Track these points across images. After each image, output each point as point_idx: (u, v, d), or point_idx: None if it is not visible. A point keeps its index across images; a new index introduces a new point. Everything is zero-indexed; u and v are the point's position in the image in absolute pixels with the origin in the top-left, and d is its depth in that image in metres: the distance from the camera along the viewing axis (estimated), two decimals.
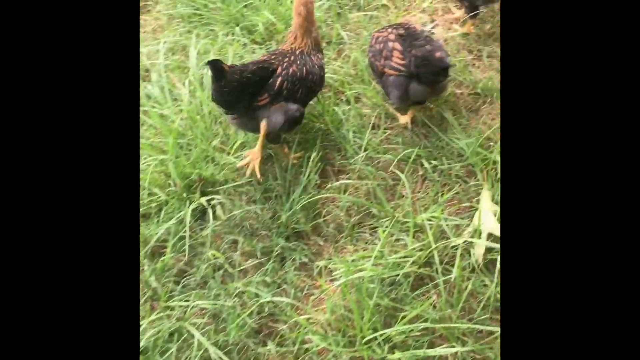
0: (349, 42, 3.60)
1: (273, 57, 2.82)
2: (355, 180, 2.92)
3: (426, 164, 2.88)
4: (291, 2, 3.67)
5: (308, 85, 2.83)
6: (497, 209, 2.66)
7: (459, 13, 3.67)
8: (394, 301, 2.43)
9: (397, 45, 2.85)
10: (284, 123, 2.72)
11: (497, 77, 3.24)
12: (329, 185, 2.91)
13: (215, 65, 2.47)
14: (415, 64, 2.74)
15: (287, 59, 2.81)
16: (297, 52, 2.89)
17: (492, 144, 2.90)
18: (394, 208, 2.79)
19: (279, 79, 2.71)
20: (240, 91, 2.59)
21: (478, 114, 3.15)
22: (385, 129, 3.12)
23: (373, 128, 3.14)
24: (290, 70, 2.77)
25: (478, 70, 3.38)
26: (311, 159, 2.87)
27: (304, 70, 2.82)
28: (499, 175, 2.73)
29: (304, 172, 2.87)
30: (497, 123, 3.05)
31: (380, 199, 2.79)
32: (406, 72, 2.78)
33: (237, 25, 3.81)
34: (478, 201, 2.73)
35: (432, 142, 2.99)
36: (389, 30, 2.97)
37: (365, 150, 2.99)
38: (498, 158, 2.75)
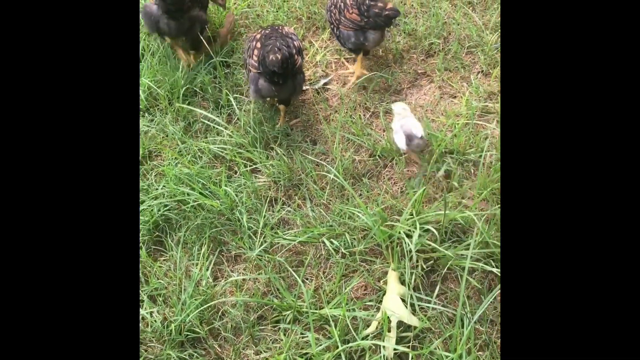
0: (238, 105, 3.33)
1: None
2: (252, 273, 2.66)
3: (328, 244, 2.67)
4: None
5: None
6: (405, 291, 2.49)
7: (352, 68, 3.52)
8: None
9: (258, 45, 2.99)
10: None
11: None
12: (223, 282, 2.63)
13: None
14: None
15: None
16: None
17: (396, 217, 2.72)
18: (297, 297, 2.55)
19: None
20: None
21: (380, 181, 2.99)
22: (283, 204, 2.89)
23: (271, 203, 2.89)
24: None
25: (376, 129, 3.22)
26: (202, 253, 2.58)
27: None
28: (405, 251, 2.55)
29: (195, 264, 2.58)
30: (400, 188, 2.91)
31: (279, 291, 2.55)
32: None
33: None
34: (386, 282, 2.55)
35: (333, 218, 2.78)
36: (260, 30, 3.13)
37: (262, 234, 2.74)
38: (404, 235, 2.58)
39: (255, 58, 2.98)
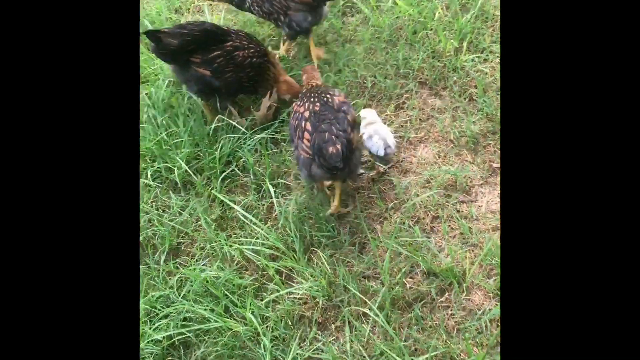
0: (281, 193, 2.92)
1: (240, 36, 3.16)
2: None
3: None
4: None
5: (240, 75, 3.15)
6: None
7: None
8: None
9: (308, 126, 2.65)
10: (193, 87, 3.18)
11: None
12: None
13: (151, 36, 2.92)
14: (313, 149, 2.60)
15: (252, 50, 3.16)
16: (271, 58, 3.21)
17: None
18: None
19: (219, 52, 3.08)
20: (175, 52, 3.01)
21: (434, 310, 2.50)
22: (318, 327, 2.49)
23: (303, 324, 2.51)
24: (239, 54, 3.11)
25: (437, 239, 2.72)
26: None
27: (249, 64, 3.13)
28: None
29: None
30: (457, 321, 2.42)
31: None
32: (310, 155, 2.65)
33: None
34: None
35: None
36: (306, 105, 2.79)
37: None
38: None
39: (307, 142, 2.61)
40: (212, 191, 2.98)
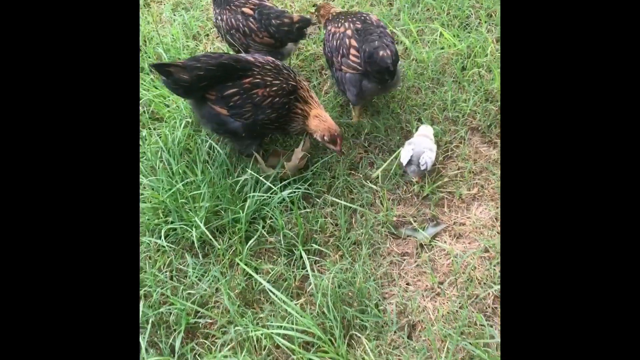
0: (315, 263, 2.51)
1: (266, 69, 2.70)
2: None
3: None
4: None
5: (260, 117, 2.69)
6: None
7: None
8: None
9: (354, 43, 2.75)
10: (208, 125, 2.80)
11: None
12: None
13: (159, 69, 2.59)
14: (363, 59, 2.70)
15: (276, 87, 2.69)
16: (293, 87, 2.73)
17: None
18: None
19: (236, 90, 2.66)
20: (188, 87, 2.63)
21: None
22: None
23: None
24: (258, 93, 2.66)
25: None
26: None
27: (269, 104, 2.68)
28: None
29: None
30: None
31: None
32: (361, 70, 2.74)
33: None
34: None
35: None
36: (346, 25, 2.84)
37: None
38: None
39: (354, 59, 2.74)
40: (236, 258, 2.57)
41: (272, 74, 2.72)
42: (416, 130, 2.87)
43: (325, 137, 2.69)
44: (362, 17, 2.85)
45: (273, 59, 2.78)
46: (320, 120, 2.72)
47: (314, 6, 3.32)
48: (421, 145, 2.71)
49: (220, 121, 2.71)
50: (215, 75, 2.63)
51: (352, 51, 2.72)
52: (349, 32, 2.78)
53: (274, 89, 2.68)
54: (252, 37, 2.99)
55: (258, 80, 2.67)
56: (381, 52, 2.61)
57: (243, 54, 2.79)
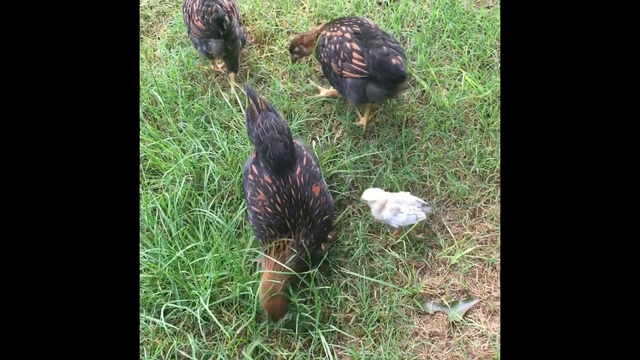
0: None
1: None
2: None
3: None
4: None
5: None
6: None
7: None
8: None
9: (356, 46, 2.61)
10: None
11: None
12: None
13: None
14: (372, 65, 2.55)
15: None
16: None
17: None
18: None
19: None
20: None
21: None
22: None
23: None
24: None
25: None
26: None
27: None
28: None
29: None
30: None
31: None
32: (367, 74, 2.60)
33: None
34: None
35: None
36: (343, 28, 2.69)
37: None
38: None
39: (358, 62, 2.59)
40: (244, 346, 2.28)
41: None
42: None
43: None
44: (359, 21, 2.73)
45: None
46: None
47: (289, 49, 3.04)
48: (406, 201, 2.45)
49: None
50: None
51: (355, 55, 2.59)
52: (347, 35, 2.65)
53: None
54: (192, 19, 2.96)
55: None
56: (393, 61, 2.49)
57: None
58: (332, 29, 2.76)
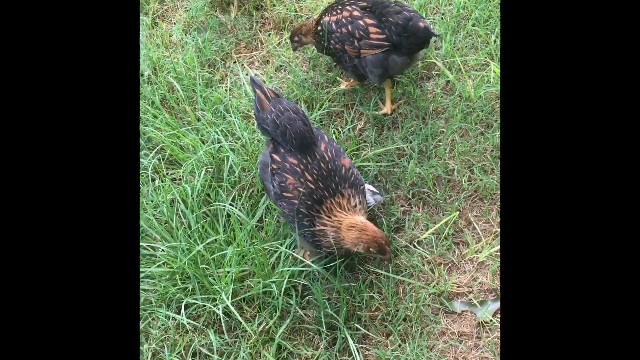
0: None
1: None
2: None
3: None
4: None
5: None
6: None
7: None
8: None
9: (370, 20, 2.55)
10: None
11: None
12: None
13: None
14: (396, 32, 2.49)
15: None
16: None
17: None
18: None
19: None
20: None
21: None
22: None
23: None
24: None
25: None
26: None
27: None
28: None
29: None
30: None
31: None
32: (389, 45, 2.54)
33: None
34: None
35: None
36: (348, 8, 2.61)
37: None
38: None
39: (375, 35, 2.54)
40: (266, 343, 2.22)
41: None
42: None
43: (371, 249, 2.19)
44: None
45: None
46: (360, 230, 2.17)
47: (290, 38, 2.95)
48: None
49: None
50: None
51: (372, 29, 2.54)
52: (356, 13, 2.58)
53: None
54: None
55: None
56: (421, 24, 2.45)
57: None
58: (334, 13, 2.67)
